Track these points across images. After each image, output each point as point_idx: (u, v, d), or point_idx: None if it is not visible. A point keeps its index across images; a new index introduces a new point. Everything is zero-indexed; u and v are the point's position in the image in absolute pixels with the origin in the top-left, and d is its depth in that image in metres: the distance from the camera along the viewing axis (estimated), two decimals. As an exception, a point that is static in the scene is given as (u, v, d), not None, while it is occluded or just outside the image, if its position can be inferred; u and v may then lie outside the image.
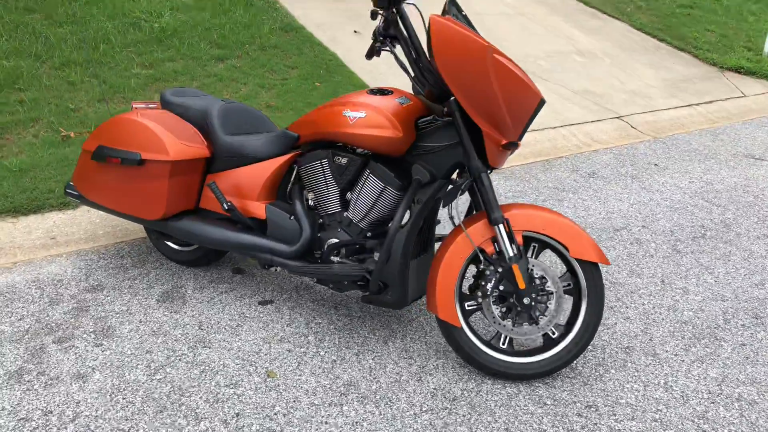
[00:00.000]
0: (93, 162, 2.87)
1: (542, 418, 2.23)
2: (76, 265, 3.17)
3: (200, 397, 2.27)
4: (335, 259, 2.55)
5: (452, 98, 2.24)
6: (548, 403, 2.31)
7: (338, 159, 2.53)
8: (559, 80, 6.62)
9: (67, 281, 3.02)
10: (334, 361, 2.48)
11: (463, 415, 2.23)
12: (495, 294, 2.32)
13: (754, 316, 2.91)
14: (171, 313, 2.78)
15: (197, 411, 2.20)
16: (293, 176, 2.78)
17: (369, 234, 2.55)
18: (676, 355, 2.61)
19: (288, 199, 2.79)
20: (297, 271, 2.57)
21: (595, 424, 2.22)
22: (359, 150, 2.55)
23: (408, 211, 2.45)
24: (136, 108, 2.98)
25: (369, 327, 2.70)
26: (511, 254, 2.28)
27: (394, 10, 2.27)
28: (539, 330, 2.34)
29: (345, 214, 2.56)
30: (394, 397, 2.30)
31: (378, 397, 2.29)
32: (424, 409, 2.25)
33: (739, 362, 2.58)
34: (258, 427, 2.14)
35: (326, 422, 2.17)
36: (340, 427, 2.16)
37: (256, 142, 2.74)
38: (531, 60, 7.01)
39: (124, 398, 2.26)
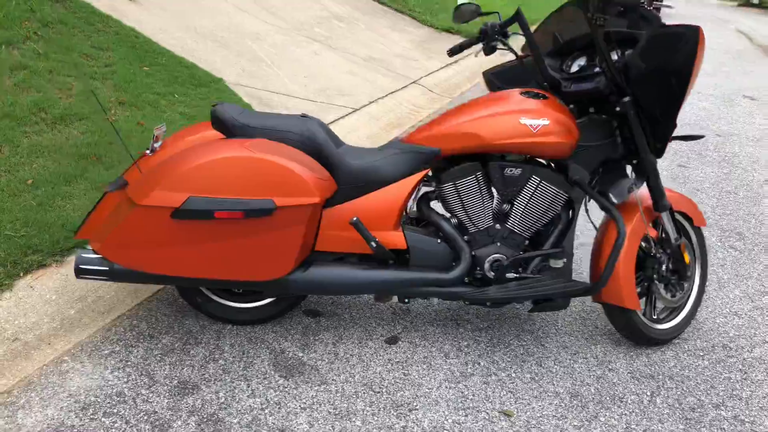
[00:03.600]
0: (167, 222, 2.04)
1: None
2: (102, 366, 2.22)
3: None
4: (510, 275, 2.42)
5: (627, 99, 2.31)
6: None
7: (510, 171, 2.35)
8: (342, 47, 6.71)
9: (122, 398, 2.12)
10: (534, 378, 2.40)
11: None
12: (664, 273, 2.55)
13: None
14: (312, 385, 2.23)
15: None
16: (417, 196, 2.47)
17: (526, 243, 2.47)
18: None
19: (413, 222, 2.47)
20: (481, 299, 2.35)
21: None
22: (514, 157, 2.42)
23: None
24: (187, 137, 2.21)
25: (515, 333, 2.64)
26: (676, 235, 2.53)
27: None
28: (685, 295, 2.68)
29: (497, 226, 2.43)
30: (616, 396, 2.36)
31: (602, 397, 2.32)
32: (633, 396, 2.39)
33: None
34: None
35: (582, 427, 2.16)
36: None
37: (387, 165, 2.33)
38: (307, 27, 6.89)
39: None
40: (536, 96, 2.36)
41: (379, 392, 2.23)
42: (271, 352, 2.39)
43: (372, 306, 2.74)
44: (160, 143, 2.30)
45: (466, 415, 2.17)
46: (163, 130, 2.29)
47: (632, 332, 2.55)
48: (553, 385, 2.36)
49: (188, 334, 2.44)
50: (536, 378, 2.39)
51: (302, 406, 2.14)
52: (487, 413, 2.18)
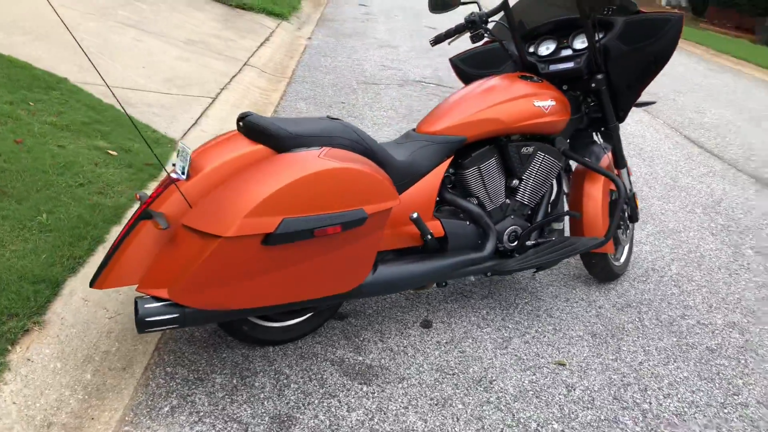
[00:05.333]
0: (257, 250, 1.87)
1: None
2: (178, 426, 1.97)
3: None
4: (529, 243, 2.66)
5: (601, 76, 2.67)
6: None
7: (525, 149, 2.57)
8: (158, 31, 6.18)
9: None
10: (556, 329, 2.69)
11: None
12: (625, 219, 3.02)
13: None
14: (395, 384, 2.26)
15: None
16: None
17: (530, 212, 2.74)
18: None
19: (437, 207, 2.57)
20: (519, 267, 2.55)
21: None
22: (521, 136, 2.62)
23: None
24: (222, 153, 2.03)
25: (513, 294, 2.89)
26: (630, 186, 3.01)
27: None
28: (630, 234, 3.19)
29: (508, 201, 2.65)
30: (619, 327, 2.77)
31: (610, 330, 2.72)
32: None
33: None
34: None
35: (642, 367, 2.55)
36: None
37: (422, 157, 2.37)
38: (111, 11, 6.19)
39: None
40: (532, 79, 2.60)
41: (454, 374, 2.34)
42: (332, 363, 2.33)
43: (383, 298, 2.78)
44: (188, 164, 2.05)
45: (534, 374, 2.40)
46: (188, 151, 2.03)
47: (606, 273, 3.00)
48: (573, 330, 2.70)
49: (237, 367, 2.26)
50: (558, 328, 2.70)
51: (402, 405, 2.16)
52: (547, 367, 2.44)
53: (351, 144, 2.15)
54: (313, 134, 2.10)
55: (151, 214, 1.95)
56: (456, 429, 2.08)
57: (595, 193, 2.78)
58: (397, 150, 2.36)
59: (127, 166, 3.37)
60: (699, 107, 7.32)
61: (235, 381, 2.19)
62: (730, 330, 2.83)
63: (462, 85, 3.06)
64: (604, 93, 2.67)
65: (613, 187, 2.90)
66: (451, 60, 2.93)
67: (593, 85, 2.66)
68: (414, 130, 2.55)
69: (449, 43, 2.82)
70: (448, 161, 2.44)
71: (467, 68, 2.87)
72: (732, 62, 11.45)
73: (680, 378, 2.46)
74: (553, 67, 2.68)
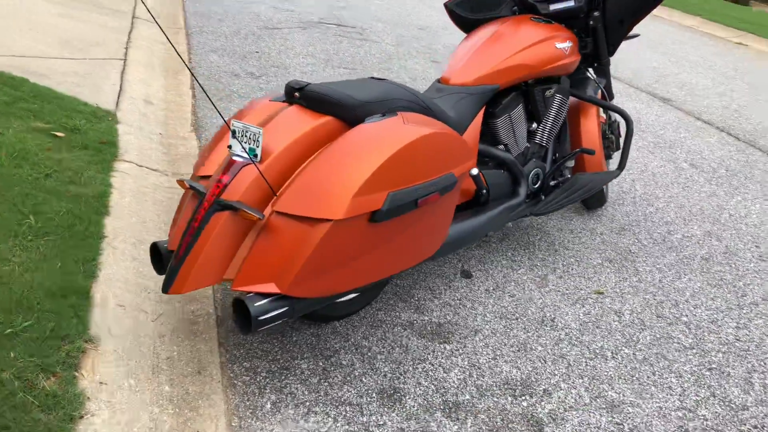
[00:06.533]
0: (364, 228, 1.77)
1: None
2: (290, 420, 1.86)
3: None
4: (552, 183, 2.74)
5: (597, 13, 2.75)
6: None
7: (548, 92, 2.59)
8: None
9: None
10: (577, 260, 2.83)
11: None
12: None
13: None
14: (473, 338, 2.27)
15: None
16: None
17: (545, 153, 2.80)
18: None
19: None
20: (558, 206, 2.61)
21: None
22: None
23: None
24: (282, 127, 1.88)
25: (524, 233, 2.98)
26: (614, 117, 3.18)
27: None
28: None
29: (528, 144, 2.70)
30: (626, 250, 2.97)
31: (621, 254, 2.92)
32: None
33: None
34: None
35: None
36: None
37: (464, 109, 2.32)
38: None
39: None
40: (544, 21, 2.61)
41: (519, 318, 2.41)
42: (403, 327, 2.30)
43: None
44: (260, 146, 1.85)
45: (583, 305, 2.53)
46: (259, 132, 1.82)
47: (599, 201, 3.19)
48: (592, 258, 2.86)
49: (315, 349, 2.15)
50: (578, 259, 2.85)
51: (490, 357, 2.20)
52: (590, 297, 2.58)
53: (410, 105, 2.06)
54: (377, 99, 1.98)
55: (235, 206, 1.76)
56: (548, 370, 2.16)
57: (592, 127, 2.91)
58: (442, 104, 2.29)
59: (82, 147, 2.98)
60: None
61: (321, 363, 2.08)
62: (710, 238, 3.16)
63: (456, 28, 2.99)
64: (600, 30, 2.76)
65: (603, 119, 3.04)
66: (446, 5, 2.85)
67: (591, 22, 2.74)
68: (439, 81, 2.48)
69: None
70: (482, 110, 2.42)
71: (464, 13, 2.82)
72: None
73: (697, 288, 2.72)
74: (553, 7, 2.71)
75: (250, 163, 1.80)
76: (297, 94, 1.94)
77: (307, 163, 1.81)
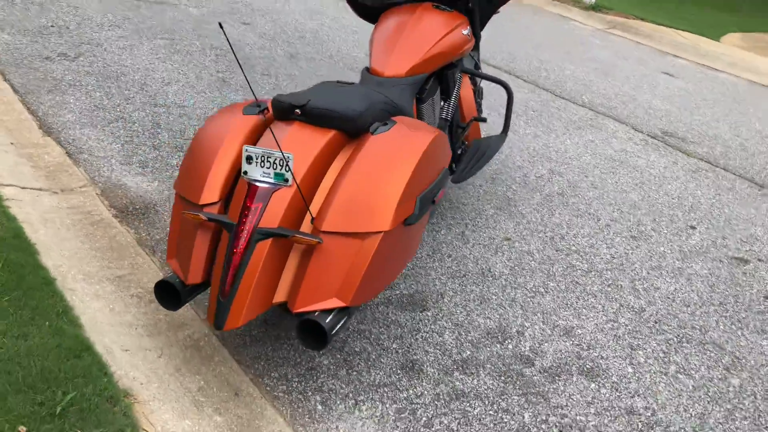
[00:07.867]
0: (401, 232, 1.99)
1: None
2: (350, 414, 2.04)
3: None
4: (458, 153, 3.10)
5: None
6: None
7: (456, 74, 2.90)
8: None
9: (412, 411, 2.10)
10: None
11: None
12: None
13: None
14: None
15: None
16: None
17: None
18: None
19: None
20: (476, 171, 2.98)
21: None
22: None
23: None
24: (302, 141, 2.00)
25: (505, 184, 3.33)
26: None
27: None
28: None
29: (439, 119, 3.01)
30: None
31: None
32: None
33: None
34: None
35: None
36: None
37: (406, 101, 2.53)
38: None
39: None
40: (445, 9, 2.90)
41: (466, 275, 2.78)
42: (386, 305, 2.53)
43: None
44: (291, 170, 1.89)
45: (503, 253, 2.98)
46: (290, 157, 1.87)
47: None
48: (485, 210, 3.33)
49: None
50: (477, 212, 3.30)
51: (464, 314, 2.55)
52: (504, 244, 3.06)
53: (387, 107, 2.24)
54: (368, 108, 2.12)
55: (284, 234, 1.83)
56: (510, 314, 2.58)
57: (469, 96, 3.33)
58: (392, 97, 2.48)
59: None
60: None
61: (338, 356, 2.25)
62: (554, 175, 3.86)
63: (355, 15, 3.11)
64: (476, 10, 3.14)
65: (471, 88, 3.48)
66: None
67: (470, 4, 3.10)
68: (368, 71, 2.65)
69: None
70: (415, 99, 2.67)
71: (365, 1, 2.96)
72: None
73: (568, 221, 3.37)
74: (442, -8, 3.00)
75: (279, 188, 1.85)
76: (298, 111, 1.99)
77: (337, 181, 1.92)
